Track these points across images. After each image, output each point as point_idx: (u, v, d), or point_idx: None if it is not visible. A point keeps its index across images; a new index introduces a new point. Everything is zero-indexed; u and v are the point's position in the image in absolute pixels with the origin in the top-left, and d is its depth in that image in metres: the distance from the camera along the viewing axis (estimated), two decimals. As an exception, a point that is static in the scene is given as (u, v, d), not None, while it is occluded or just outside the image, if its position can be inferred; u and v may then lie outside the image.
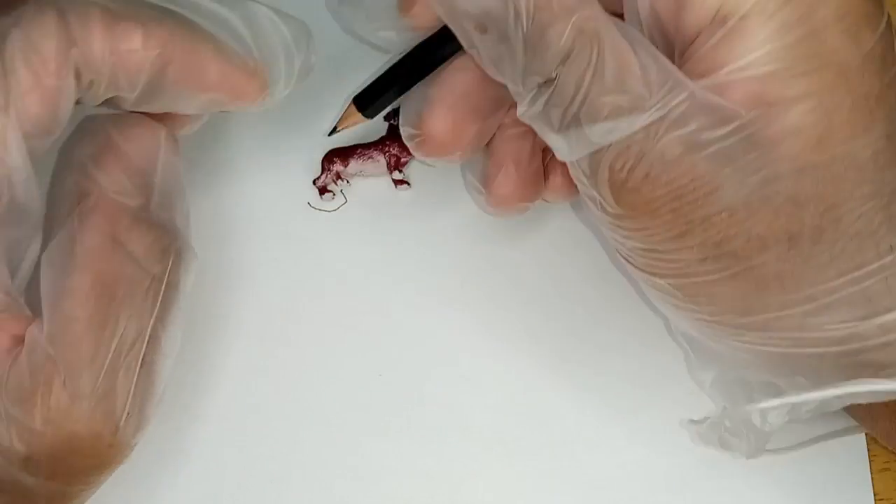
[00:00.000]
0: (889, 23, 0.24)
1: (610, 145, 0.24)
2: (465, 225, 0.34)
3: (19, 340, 0.25)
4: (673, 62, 0.24)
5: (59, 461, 0.25)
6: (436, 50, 0.28)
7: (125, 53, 0.24)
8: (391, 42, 0.29)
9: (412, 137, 0.29)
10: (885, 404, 0.27)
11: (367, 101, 0.30)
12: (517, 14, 0.23)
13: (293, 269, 0.33)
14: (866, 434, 0.31)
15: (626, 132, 0.23)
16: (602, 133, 0.24)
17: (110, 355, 0.25)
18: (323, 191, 0.34)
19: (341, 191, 0.34)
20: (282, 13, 0.27)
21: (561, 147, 0.25)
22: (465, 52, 0.26)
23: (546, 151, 0.30)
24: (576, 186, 0.26)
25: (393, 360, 0.32)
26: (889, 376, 0.25)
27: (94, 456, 0.26)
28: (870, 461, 0.31)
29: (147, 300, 0.26)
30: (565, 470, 0.32)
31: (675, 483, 0.31)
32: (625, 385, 0.32)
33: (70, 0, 0.24)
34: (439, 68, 0.28)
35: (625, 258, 0.27)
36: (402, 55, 0.29)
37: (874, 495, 0.31)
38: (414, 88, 0.29)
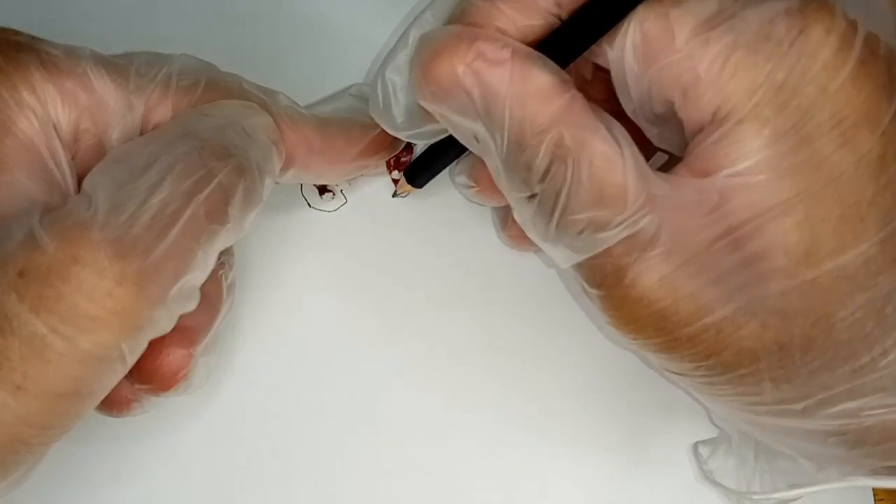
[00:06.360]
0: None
1: (593, 257, 0.23)
2: (465, 225, 0.34)
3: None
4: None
5: None
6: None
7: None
8: (422, 135, 0.29)
9: (467, 188, 0.31)
10: None
11: (415, 175, 0.32)
12: (497, 137, 0.23)
13: (293, 268, 0.33)
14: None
15: (602, 247, 0.23)
16: (580, 247, 0.23)
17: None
18: (323, 191, 0.34)
19: (341, 191, 0.34)
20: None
21: (551, 254, 0.25)
22: None
23: None
24: None
25: (393, 358, 0.33)
26: (889, 455, 0.25)
27: None
28: (870, 461, 0.31)
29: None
30: (565, 470, 0.32)
31: (674, 482, 0.31)
32: (626, 389, 0.32)
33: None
34: None
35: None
36: (438, 139, 0.30)
37: (874, 495, 0.31)
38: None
